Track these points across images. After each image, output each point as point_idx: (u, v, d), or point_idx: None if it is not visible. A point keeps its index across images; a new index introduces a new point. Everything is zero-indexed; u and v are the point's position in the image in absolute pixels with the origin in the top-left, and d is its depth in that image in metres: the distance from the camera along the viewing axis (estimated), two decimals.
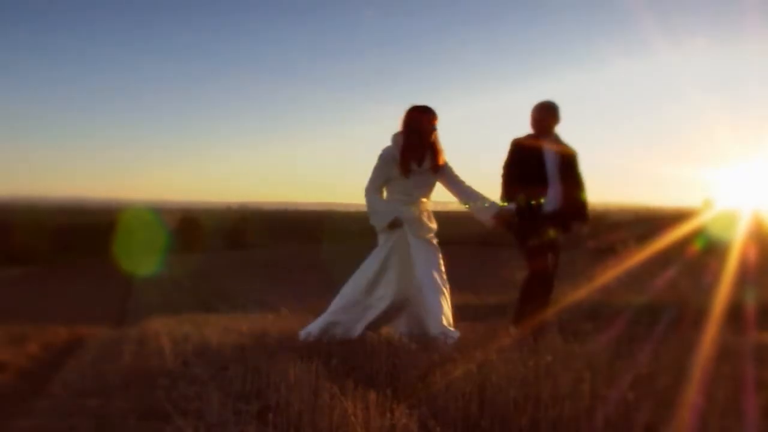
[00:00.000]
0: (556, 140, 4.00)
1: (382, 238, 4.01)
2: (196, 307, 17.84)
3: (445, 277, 3.95)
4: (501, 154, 4.12)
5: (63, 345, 7.37)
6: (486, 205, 3.93)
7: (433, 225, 4.04)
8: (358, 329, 3.93)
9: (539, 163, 3.93)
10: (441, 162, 3.97)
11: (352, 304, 3.99)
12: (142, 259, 41.60)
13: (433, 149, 3.95)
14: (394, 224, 3.92)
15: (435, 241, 4.02)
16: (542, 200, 3.84)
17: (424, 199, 4.02)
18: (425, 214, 4.01)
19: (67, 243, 58.04)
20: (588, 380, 2.03)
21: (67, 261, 51.65)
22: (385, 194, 4.07)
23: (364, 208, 4.00)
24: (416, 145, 3.88)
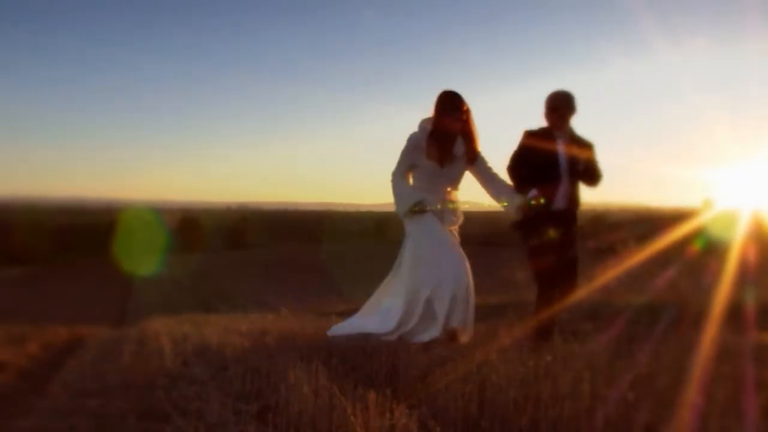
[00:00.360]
0: (571, 134, 3.78)
1: (408, 227, 3.82)
2: (196, 307, 17.86)
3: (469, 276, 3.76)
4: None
5: (63, 345, 7.37)
6: (516, 202, 3.69)
7: (459, 218, 3.87)
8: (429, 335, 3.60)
9: (551, 159, 3.71)
10: (475, 150, 3.76)
11: (404, 312, 3.70)
12: (142, 260, 41.61)
13: (466, 137, 3.75)
14: (416, 209, 3.73)
15: (457, 238, 3.86)
16: (542, 200, 3.71)
17: (449, 189, 3.83)
18: (451, 204, 3.83)
19: (67, 243, 58.05)
20: (588, 380, 2.03)
21: (67, 261, 51.65)
22: (411, 181, 3.88)
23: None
24: (439, 138, 3.71)
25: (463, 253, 3.81)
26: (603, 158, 3.77)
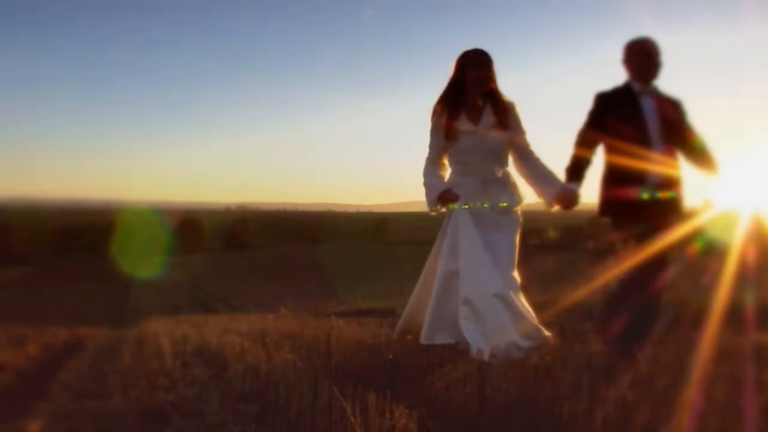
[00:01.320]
0: (656, 92, 3.00)
1: (445, 222, 3.31)
2: (195, 307, 17.88)
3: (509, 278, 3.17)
4: None
5: (62, 346, 7.37)
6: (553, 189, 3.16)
7: (513, 197, 3.24)
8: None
9: (636, 121, 2.93)
10: (506, 116, 3.14)
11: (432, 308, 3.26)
12: (142, 261, 41.63)
13: (494, 101, 3.16)
14: (445, 198, 3.20)
15: (514, 220, 3.24)
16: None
17: (490, 166, 3.21)
18: (495, 185, 3.21)
19: (66, 244, 58.08)
20: (588, 380, 2.03)
21: (66, 262, 51.68)
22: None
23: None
24: (455, 100, 3.16)
25: (499, 257, 3.16)
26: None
